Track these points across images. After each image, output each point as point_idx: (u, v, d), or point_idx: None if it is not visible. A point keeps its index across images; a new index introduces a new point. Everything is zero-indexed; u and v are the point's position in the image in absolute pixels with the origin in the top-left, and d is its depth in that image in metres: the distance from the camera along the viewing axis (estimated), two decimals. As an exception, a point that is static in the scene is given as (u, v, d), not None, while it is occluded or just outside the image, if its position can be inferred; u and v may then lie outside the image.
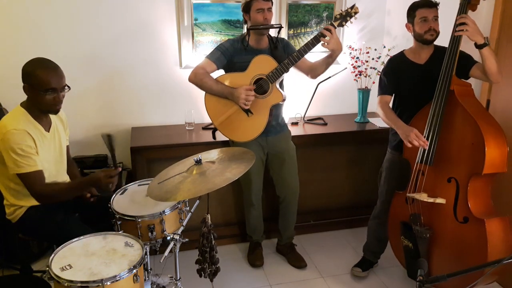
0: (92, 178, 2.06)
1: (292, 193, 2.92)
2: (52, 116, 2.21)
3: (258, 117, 2.62)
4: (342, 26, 2.51)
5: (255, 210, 2.95)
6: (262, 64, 2.55)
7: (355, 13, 2.47)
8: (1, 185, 2.16)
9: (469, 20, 2.14)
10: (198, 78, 2.59)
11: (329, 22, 2.50)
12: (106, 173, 2.01)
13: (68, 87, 2.12)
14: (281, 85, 2.74)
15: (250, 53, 2.62)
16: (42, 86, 2.01)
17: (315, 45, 2.49)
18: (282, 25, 2.67)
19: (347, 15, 2.47)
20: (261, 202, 2.98)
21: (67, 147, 2.42)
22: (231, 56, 2.63)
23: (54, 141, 2.22)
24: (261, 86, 2.57)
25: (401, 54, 2.51)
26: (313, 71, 2.70)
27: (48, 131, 2.17)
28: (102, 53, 3.12)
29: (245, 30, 3.29)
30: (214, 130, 2.87)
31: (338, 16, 2.49)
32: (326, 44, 2.46)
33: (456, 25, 2.19)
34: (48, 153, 2.16)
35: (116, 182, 2.06)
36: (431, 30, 2.32)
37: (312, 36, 2.51)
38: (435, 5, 2.34)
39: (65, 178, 2.33)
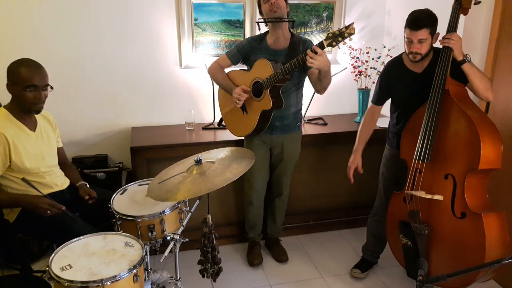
0: (32, 200, 2.09)
1: (278, 193, 2.96)
2: (37, 117, 2.25)
3: (250, 118, 2.66)
4: (333, 46, 2.24)
5: (254, 208, 2.95)
6: (261, 69, 2.54)
7: (350, 34, 2.17)
8: None
9: (454, 37, 2.16)
10: (211, 72, 2.80)
11: (319, 42, 2.26)
12: (51, 205, 2.08)
13: (51, 87, 2.14)
14: (286, 91, 2.62)
15: (265, 52, 2.63)
16: (24, 83, 2.05)
17: (301, 64, 2.32)
18: (293, 19, 2.61)
19: (340, 35, 2.19)
20: (263, 201, 2.98)
21: (62, 148, 2.44)
22: (246, 54, 2.70)
23: (42, 140, 2.25)
24: (260, 88, 2.58)
25: (400, 60, 2.45)
26: (315, 86, 2.65)
27: (34, 131, 2.21)
28: (102, 53, 3.11)
29: (246, 30, 3.32)
30: (221, 119, 3.05)
31: (330, 35, 2.23)
32: (311, 64, 2.26)
33: (444, 38, 2.20)
34: (34, 150, 2.19)
35: (52, 212, 2.11)
36: (413, 54, 2.25)
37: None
38: (422, 27, 2.17)
39: (58, 173, 2.36)
